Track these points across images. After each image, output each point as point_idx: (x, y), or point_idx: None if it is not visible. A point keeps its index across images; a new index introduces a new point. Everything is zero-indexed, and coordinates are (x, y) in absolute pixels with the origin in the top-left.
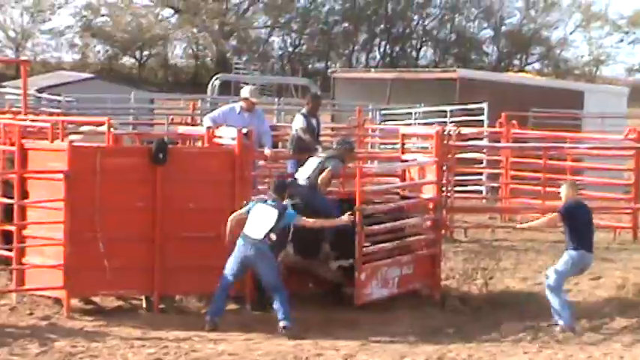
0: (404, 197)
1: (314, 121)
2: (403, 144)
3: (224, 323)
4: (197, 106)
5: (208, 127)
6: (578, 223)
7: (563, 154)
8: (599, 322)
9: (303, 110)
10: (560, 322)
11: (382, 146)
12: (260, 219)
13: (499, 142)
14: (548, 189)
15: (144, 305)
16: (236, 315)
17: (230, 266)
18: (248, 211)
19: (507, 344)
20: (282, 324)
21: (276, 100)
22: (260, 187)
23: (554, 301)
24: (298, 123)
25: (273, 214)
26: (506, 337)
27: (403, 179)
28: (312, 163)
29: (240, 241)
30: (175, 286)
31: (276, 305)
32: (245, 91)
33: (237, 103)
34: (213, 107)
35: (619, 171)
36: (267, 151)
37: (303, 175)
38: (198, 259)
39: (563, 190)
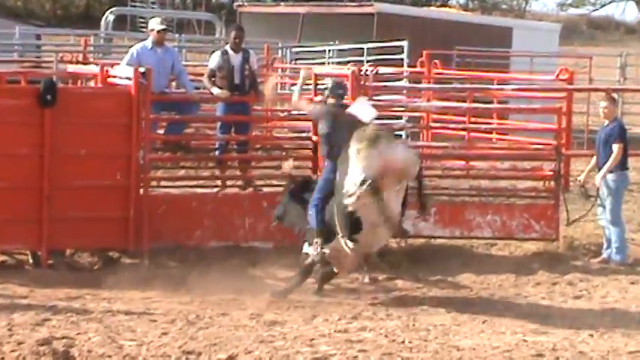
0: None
1: (237, 58)
2: (316, 85)
3: (120, 281)
4: (89, 43)
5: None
6: (626, 144)
7: (490, 96)
8: (526, 278)
9: (226, 46)
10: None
11: (293, 88)
12: None
13: (420, 83)
14: (472, 134)
15: (30, 261)
16: (133, 271)
17: None
18: None
19: (428, 302)
20: None
21: (177, 36)
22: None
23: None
24: (211, 62)
25: None
26: (426, 295)
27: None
28: None
29: None
30: (65, 240)
31: None
32: (153, 22)
33: (147, 40)
34: (106, 44)
35: (549, 115)
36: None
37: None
38: (91, 210)
39: (607, 107)
